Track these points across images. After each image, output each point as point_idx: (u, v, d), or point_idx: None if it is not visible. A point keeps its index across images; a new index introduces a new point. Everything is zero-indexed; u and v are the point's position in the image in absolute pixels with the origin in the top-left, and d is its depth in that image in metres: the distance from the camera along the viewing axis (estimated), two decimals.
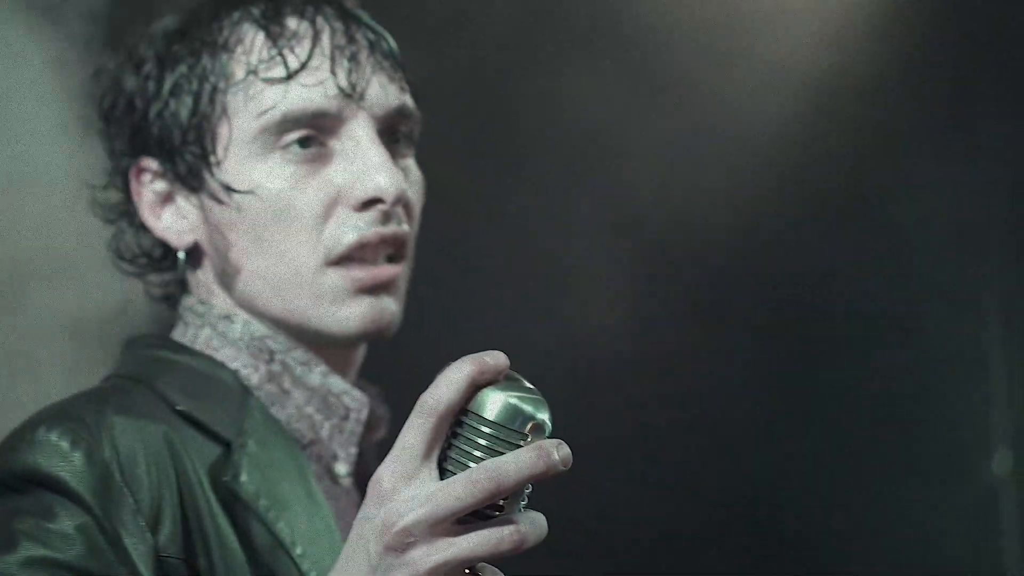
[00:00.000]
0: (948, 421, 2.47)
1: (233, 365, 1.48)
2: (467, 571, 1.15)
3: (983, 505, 2.46)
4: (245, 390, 1.47)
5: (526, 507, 1.16)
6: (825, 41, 2.46)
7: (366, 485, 1.49)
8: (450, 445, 1.16)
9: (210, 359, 1.49)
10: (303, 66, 1.44)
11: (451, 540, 1.12)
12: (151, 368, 1.46)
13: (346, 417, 1.49)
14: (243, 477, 1.36)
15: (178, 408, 1.40)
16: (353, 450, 1.50)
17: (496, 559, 1.14)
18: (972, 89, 2.50)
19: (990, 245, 2.49)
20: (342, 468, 1.50)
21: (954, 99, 2.50)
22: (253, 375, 1.48)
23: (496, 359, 1.15)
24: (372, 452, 1.55)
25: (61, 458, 1.30)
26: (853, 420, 2.47)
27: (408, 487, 1.13)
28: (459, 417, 1.16)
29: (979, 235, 2.50)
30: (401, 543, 1.13)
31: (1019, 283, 2.49)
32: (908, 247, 2.46)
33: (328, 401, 1.49)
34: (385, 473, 1.15)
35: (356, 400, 1.49)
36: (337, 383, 1.49)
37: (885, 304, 2.46)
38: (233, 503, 1.35)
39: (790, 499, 2.46)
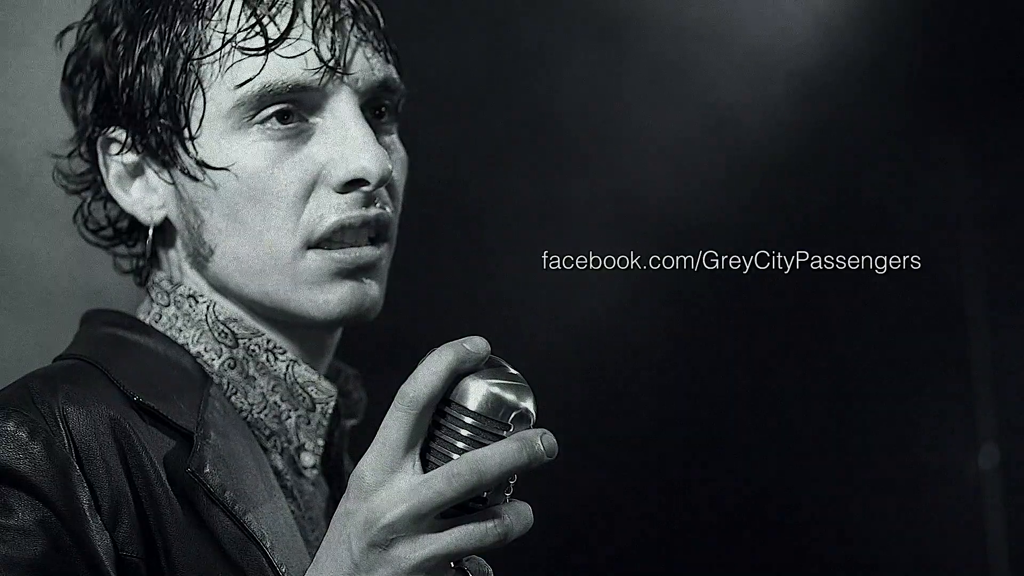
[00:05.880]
0: (934, 416, 2.47)
1: (195, 349, 1.43)
2: (452, 564, 1.12)
3: (969, 499, 2.46)
4: (205, 377, 1.41)
5: (512, 497, 1.13)
6: (815, 26, 2.44)
7: (335, 476, 1.46)
8: (433, 436, 1.13)
9: (170, 342, 1.42)
10: (283, 36, 1.37)
11: (435, 535, 1.11)
12: (107, 350, 1.39)
13: (312, 409, 1.44)
14: (207, 469, 1.29)
15: (135, 399, 1.33)
16: (320, 442, 1.44)
17: (481, 553, 1.13)
18: (964, 74, 2.49)
19: (976, 237, 2.48)
20: (308, 460, 1.44)
21: (946, 85, 2.49)
22: (215, 360, 1.42)
23: (477, 346, 1.13)
24: (343, 442, 1.50)
25: (19, 449, 1.24)
26: (842, 415, 2.47)
27: (390, 481, 1.11)
28: (441, 407, 1.14)
29: (966, 227, 2.49)
30: (384, 539, 1.11)
31: (1004, 276, 2.48)
32: (897, 239, 2.45)
33: (294, 391, 1.43)
34: (367, 467, 1.12)
35: (323, 392, 1.44)
36: (303, 373, 1.43)
37: (874, 300, 2.46)
38: (196, 496, 1.29)
39: (778, 495, 2.45)
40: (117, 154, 1.44)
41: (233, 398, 1.42)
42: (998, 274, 2.48)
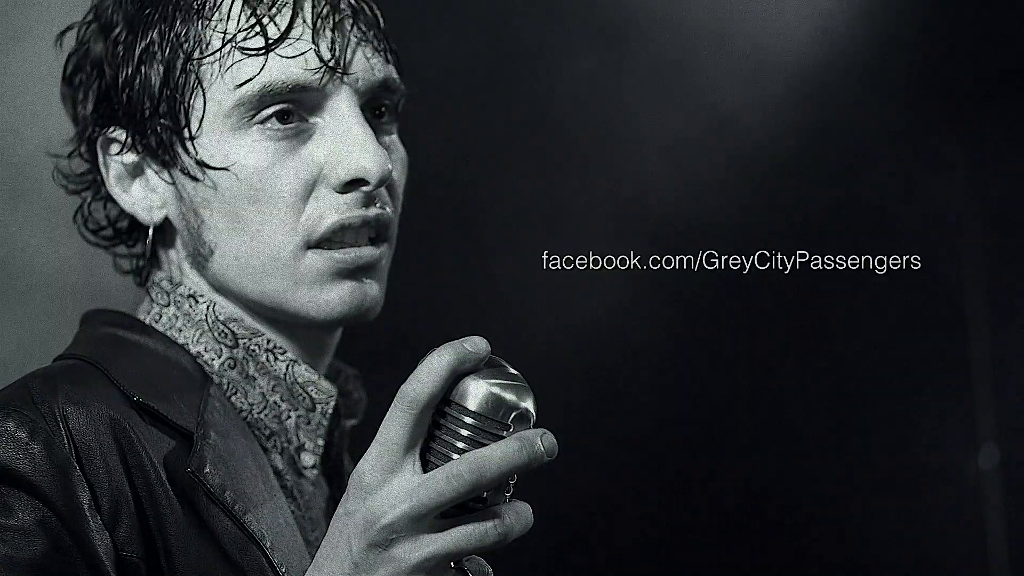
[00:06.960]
0: (934, 416, 2.47)
1: (195, 349, 1.43)
2: (452, 564, 1.12)
3: (969, 499, 2.46)
4: (205, 377, 1.41)
5: (512, 497, 1.13)
6: (815, 26, 2.44)
7: (335, 476, 1.46)
8: (433, 436, 1.13)
9: (170, 342, 1.42)
10: (283, 36, 1.37)
11: (435, 535, 1.11)
12: (107, 350, 1.39)
13: (312, 409, 1.44)
14: (207, 469, 1.29)
15: (135, 399, 1.33)
16: (320, 442, 1.44)
17: (481, 553, 1.13)
18: (964, 74, 2.49)
19: (976, 237, 2.48)
20: (308, 460, 1.44)
21: (946, 85, 2.49)
22: (215, 360, 1.42)
23: (477, 346, 1.13)
24: (343, 442, 1.50)
25: (19, 449, 1.24)
26: (842, 415, 2.47)
27: (390, 481, 1.11)
28: (441, 407, 1.14)
29: (966, 227, 2.49)
30: (384, 539, 1.11)
31: (1004, 276, 2.48)
32: (897, 239, 2.45)
33: (294, 391, 1.43)
34: (367, 467, 1.12)
35: (323, 392, 1.44)
36: (303, 373, 1.43)
37: (874, 300, 2.46)
38: (195, 496, 1.29)
39: (778, 495, 2.45)
40: (117, 154, 1.44)
41: (233, 398, 1.42)
42: (998, 274, 2.48)
